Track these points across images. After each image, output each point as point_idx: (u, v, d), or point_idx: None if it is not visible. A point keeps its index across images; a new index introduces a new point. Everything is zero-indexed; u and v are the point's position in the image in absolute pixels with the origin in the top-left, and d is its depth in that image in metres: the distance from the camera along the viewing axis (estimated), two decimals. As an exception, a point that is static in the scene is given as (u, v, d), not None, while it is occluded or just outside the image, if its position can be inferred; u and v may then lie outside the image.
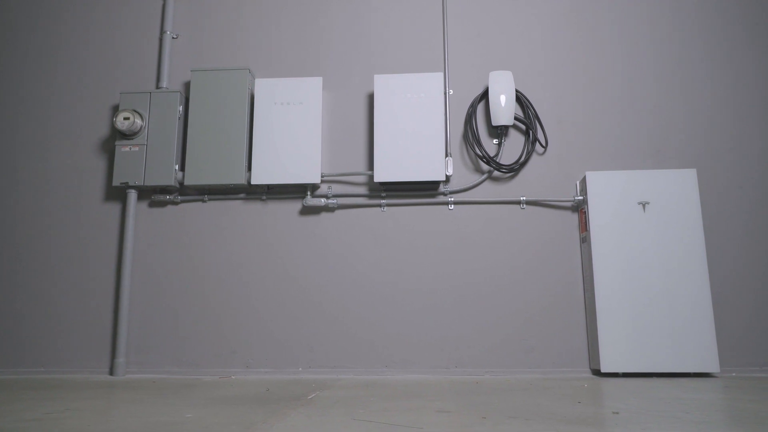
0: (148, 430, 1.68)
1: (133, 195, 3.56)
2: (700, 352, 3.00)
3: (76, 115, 3.79)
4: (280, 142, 3.48)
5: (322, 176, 3.55)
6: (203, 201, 3.60)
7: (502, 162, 3.53)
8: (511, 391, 2.47)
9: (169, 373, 3.41)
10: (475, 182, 3.51)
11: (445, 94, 3.62)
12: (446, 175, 3.44)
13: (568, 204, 3.46)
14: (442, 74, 3.50)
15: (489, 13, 3.74)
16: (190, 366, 3.41)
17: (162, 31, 3.83)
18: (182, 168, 3.59)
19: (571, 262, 3.39)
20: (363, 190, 3.57)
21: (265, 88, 3.55)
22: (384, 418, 1.83)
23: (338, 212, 3.54)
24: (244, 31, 3.82)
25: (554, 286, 3.37)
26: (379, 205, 3.53)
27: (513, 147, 3.56)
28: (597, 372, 3.20)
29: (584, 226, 3.30)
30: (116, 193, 3.66)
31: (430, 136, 3.41)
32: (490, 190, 3.52)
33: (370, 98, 3.68)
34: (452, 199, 3.49)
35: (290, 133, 3.49)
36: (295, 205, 3.57)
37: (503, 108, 3.44)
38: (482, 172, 3.54)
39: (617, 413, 1.88)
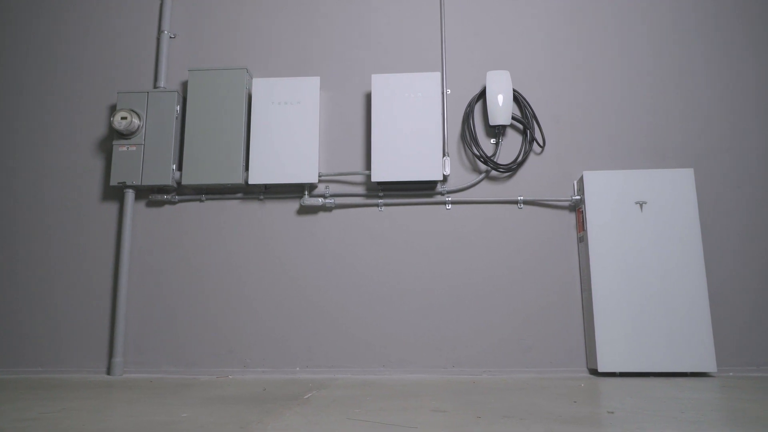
0: (142, 429, 1.67)
1: (130, 195, 3.56)
2: (698, 351, 3.00)
3: (74, 114, 3.79)
4: (277, 142, 3.48)
5: (319, 176, 3.55)
6: (201, 201, 3.60)
7: (499, 162, 3.53)
8: (507, 391, 2.47)
9: (167, 372, 3.41)
10: (473, 182, 3.51)
11: (442, 93, 3.62)
12: (444, 175, 3.44)
13: (566, 204, 3.46)
14: (439, 74, 3.50)
15: (487, 12, 3.74)
16: (188, 365, 3.41)
17: (160, 31, 3.83)
18: (180, 168, 3.59)
19: (568, 262, 3.39)
20: (360, 189, 3.57)
21: (262, 88, 3.55)
22: (379, 417, 1.83)
23: (336, 212, 3.54)
24: (241, 31, 3.82)
25: (551, 285, 3.37)
26: (377, 205, 3.53)
27: (510, 147, 3.56)
28: (594, 371, 3.20)
29: (581, 225, 3.30)
30: (114, 193, 3.66)
31: (428, 136, 3.41)
32: (487, 190, 3.52)
33: (368, 98, 3.68)
34: (449, 199, 3.49)
35: (288, 132, 3.49)
36: (293, 205, 3.57)
37: (501, 107, 3.43)
38: (480, 172, 3.54)
39: (612, 413, 1.88)
